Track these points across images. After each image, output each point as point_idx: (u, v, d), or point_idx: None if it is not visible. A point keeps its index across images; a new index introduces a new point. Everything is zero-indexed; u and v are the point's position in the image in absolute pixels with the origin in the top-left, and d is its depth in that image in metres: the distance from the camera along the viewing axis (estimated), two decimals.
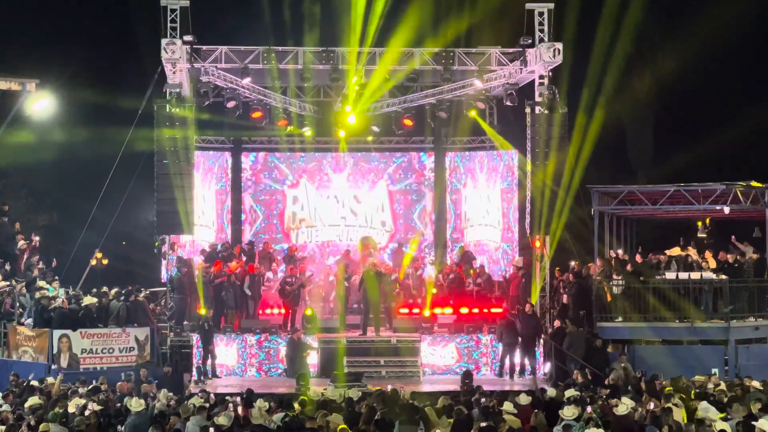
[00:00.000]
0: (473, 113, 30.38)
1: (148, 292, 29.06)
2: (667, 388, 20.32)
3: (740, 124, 39.70)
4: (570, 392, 19.25)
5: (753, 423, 16.21)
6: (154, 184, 27.64)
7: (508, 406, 17.91)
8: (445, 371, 26.83)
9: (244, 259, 29.65)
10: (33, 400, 19.53)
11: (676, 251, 27.68)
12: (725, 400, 19.35)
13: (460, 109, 30.95)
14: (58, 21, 42.83)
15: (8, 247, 29.30)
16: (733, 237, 28.09)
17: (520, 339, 26.45)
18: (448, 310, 28.19)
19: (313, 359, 26.48)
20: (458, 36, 30.23)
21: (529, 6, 28.15)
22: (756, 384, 20.66)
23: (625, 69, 42.82)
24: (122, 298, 26.77)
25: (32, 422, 17.58)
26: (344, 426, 16.41)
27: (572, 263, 29.22)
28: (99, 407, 18.68)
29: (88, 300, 26.44)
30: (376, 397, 19.12)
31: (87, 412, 18.06)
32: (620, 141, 43.24)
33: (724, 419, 16.98)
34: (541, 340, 26.71)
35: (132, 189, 30.87)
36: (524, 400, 18.62)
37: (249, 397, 19.98)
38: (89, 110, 40.60)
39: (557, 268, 29.01)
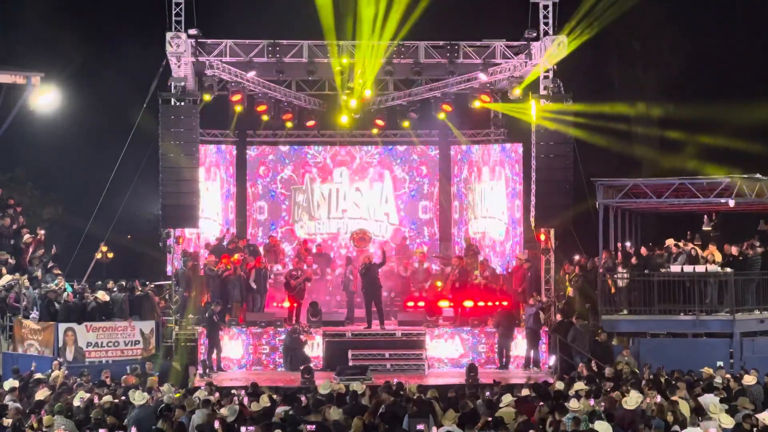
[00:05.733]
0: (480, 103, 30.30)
1: (153, 285, 29.08)
2: (673, 381, 20.34)
3: (746, 117, 39.63)
4: (579, 385, 19.22)
5: (756, 416, 16.26)
6: (159, 177, 27.66)
7: (506, 398, 17.90)
8: (450, 364, 26.87)
9: (248, 252, 29.65)
10: (42, 393, 19.57)
11: (670, 242, 27.67)
12: (730, 393, 19.39)
13: (465, 103, 30.97)
14: (63, 14, 42.81)
15: (14, 240, 29.32)
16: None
17: (516, 330, 26.70)
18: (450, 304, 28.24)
19: (317, 352, 26.55)
20: (463, 28, 30.23)
21: None
22: (750, 378, 20.58)
23: (631, 61, 42.94)
24: (125, 291, 26.79)
25: (42, 415, 17.63)
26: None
27: (577, 256, 29.21)
28: (109, 400, 18.73)
29: (101, 296, 26.44)
30: (382, 390, 19.16)
31: (96, 404, 18.16)
32: (625, 134, 43.14)
33: (730, 412, 16.96)
34: (543, 334, 26.76)
35: (137, 182, 30.89)
36: (527, 393, 18.60)
37: (254, 391, 20.01)
38: (93, 104, 40.63)
39: (566, 263, 29.02)
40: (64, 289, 26.91)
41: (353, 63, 29.13)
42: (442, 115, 31.22)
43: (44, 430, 16.72)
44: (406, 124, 32.08)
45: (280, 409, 17.68)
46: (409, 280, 29.49)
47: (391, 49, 28.75)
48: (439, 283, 28.67)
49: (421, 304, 28.71)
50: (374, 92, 30.46)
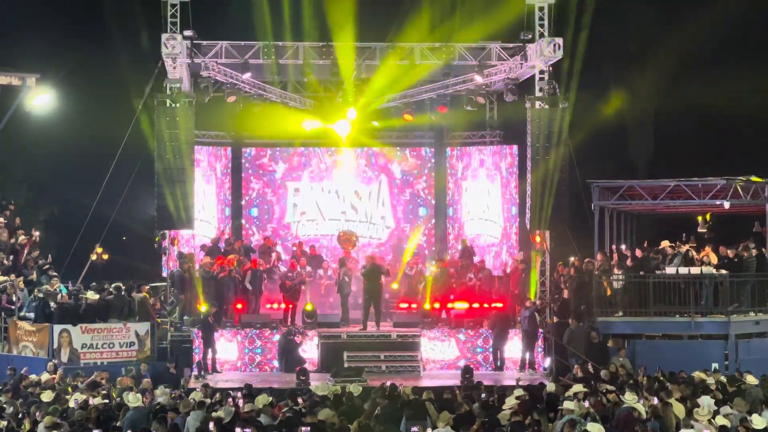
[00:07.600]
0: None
1: (148, 287, 29.06)
2: (667, 384, 20.35)
3: (741, 119, 39.68)
4: (578, 387, 19.20)
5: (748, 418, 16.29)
6: (154, 178, 27.65)
7: (510, 401, 17.89)
8: (446, 366, 26.87)
9: (244, 253, 29.63)
10: (47, 395, 19.52)
11: (665, 244, 27.71)
12: (727, 394, 19.42)
13: (461, 104, 30.96)
14: (58, 16, 42.78)
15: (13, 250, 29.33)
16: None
17: (511, 332, 26.69)
18: (448, 305, 28.23)
19: (312, 354, 26.55)
20: (458, 30, 30.20)
21: (529, 1, 28.16)
22: (752, 379, 20.62)
23: (626, 63, 42.98)
24: (123, 293, 26.79)
25: (38, 417, 17.60)
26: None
27: (572, 258, 29.22)
28: (101, 401, 18.71)
29: (90, 296, 26.45)
30: (378, 392, 19.15)
31: (91, 405, 18.13)
32: (621, 136, 43.21)
33: (725, 414, 16.98)
34: (540, 336, 26.78)
35: (132, 184, 30.88)
36: (520, 394, 18.58)
37: (249, 392, 20.00)
38: (89, 105, 40.58)
39: (560, 263, 29.02)
40: (59, 291, 26.90)
41: (347, 64, 29.13)
42: (437, 117, 31.21)
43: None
44: (401, 125, 32.02)
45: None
46: (414, 279, 29.46)
47: (389, 53, 28.78)
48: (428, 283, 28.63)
49: (414, 306, 28.70)
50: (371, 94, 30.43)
